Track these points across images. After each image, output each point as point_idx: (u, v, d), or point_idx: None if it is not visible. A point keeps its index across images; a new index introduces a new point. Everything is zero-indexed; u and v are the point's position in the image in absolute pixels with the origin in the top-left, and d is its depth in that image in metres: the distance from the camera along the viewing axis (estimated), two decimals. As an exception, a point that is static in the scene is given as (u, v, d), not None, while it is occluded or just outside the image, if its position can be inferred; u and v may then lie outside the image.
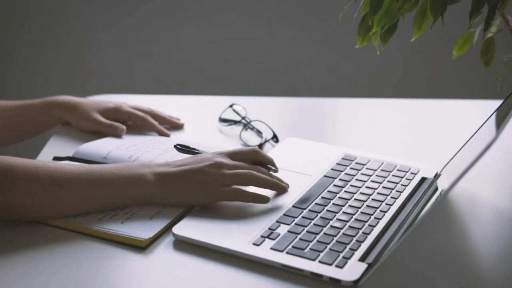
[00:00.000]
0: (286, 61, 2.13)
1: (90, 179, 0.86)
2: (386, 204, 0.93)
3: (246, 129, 1.21)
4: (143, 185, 0.88)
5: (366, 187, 0.98)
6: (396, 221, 0.89)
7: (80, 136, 1.15)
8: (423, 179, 1.01)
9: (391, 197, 0.95)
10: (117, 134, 1.14)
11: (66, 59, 2.13)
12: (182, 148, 0.97)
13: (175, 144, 0.98)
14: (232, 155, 0.93)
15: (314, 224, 0.87)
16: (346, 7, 0.93)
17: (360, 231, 0.86)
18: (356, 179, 1.00)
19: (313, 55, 2.12)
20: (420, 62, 2.13)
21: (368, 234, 0.85)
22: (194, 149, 0.97)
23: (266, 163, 0.96)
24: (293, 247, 0.82)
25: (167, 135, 1.18)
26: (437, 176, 1.02)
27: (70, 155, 1.05)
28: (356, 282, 0.77)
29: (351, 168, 1.03)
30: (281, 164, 1.05)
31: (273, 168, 0.96)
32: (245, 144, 1.16)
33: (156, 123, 1.19)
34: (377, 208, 0.92)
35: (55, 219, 0.86)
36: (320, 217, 0.89)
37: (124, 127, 1.15)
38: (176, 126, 1.23)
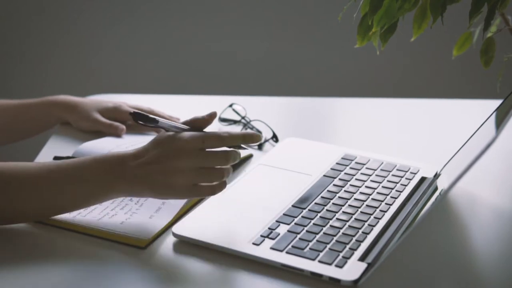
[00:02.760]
0: (286, 61, 2.13)
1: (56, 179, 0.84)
2: (386, 203, 0.93)
3: (246, 129, 1.21)
4: (116, 191, 0.86)
5: (366, 186, 0.98)
6: (396, 221, 0.89)
7: (80, 135, 1.15)
8: (422, 179, 1.01)
9: (391, 197, 0.95)
10: (117, 134, 1.14)
11: (66, 59, 2.13)
12: (141, 122, 0.87)
13: (132, 111, 0.87)
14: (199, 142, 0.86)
15: (314, 223, 0.87)
16: (346, 7, 0.93)
17: (360, 231, 0.86)
18: (356, 179, 1.00)
19: (313, 55, 2.12)
20: (420, 62, 2.13)
21: (368, 233, 0.85)
22: (154, 120, 0.86)
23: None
24: (293, 246, 0.82)
25: None
26: (436, 176, 1.02)
27: (70, 154, 1.05)
28: (355, 281, 0.77)
29: (351, 168, 1.03)
30: (281, 164, 1.05)
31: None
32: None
33: None
34: (377, 207, 0.92)
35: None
36: (320, 216, 0.89)
37: (123, 126, 1.15)
38: None
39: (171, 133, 0.86)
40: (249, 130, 0.88)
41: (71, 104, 1.17)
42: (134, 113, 0.85)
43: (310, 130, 1.26)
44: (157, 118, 0.85)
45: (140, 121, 0.85)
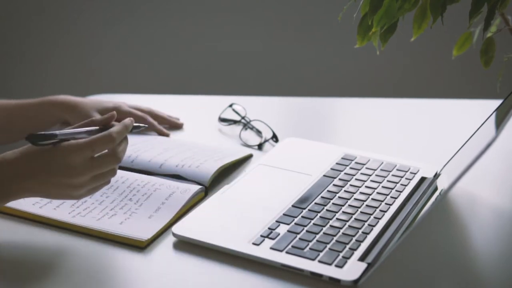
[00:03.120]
0: (286, 61, 2.13)
1: None
2: (386, 203, 0.93)
3: (246, 129, 1.21)
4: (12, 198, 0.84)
5: (366, 186, 0.98)
6: (396, 220, 0.89)
7: (80, 136, 1.15)
8: (422, 179, 1.01)
9: (391, 197, 0.95)
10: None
11: (66, 59, 2.13)
12: (41, 142, 0.82)
13: (26, 135, 0.82)
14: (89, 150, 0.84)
15: (313, 223, 0.87)
16: (346, 7, 0.93)
17: (360, 231, 0.86)
18: (356, 179, 1.00)
19: (313, 55, 2.12)
20: (420, 62, 2.13)
21: (368, 233, 0.85)
22: (53, 135, 0.82)
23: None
24: (292, 246, 0.82)
25: (167, 135, 1.18)
26: (436, 176, 1.02)
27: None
28: (355, 281, 0.77)
29: (350, 168, 1.03)
30: (281, 164, 1.05)
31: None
32: (245, 144, 1.16)
33: (155, 122, 1.19)
34: (377, 207, 0.92)
35: None
36: (320, 216, 0.89)
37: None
38: (175, 125, 1.22)
39: (62, 145, 0.82)
40: (128, 119, 0.86)
41: (71, 104, 1.18)
42: (30, 136, 0.81)
43: (310, 130, 1.26)
44: (54, 132, 0.82)
45: (39, 142, 0.81)
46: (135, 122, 1.18)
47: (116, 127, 0.85)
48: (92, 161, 0.82)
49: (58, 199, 0.87)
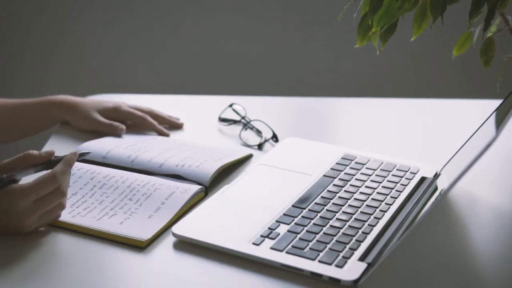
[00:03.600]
0: (286, 61, 2.13)
1: None
2: (386, 203, 0.93)
3: (246, 129, 1.21)
4: None
5: (366, 186, 0.98)
6: (396, 220, 0.89)
7: (79, 136, 1.15)
8: (422, 179, 1.01)
9: (391, 197, 0.95)
10: (116, 134, 1.14)
11: (66, 59, 2.13)
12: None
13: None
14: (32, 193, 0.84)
15: (313, 223, 0.87)
16: (346, 7, 0.93)
17: (360, 231, 0.86)
18: (356, 179, 1.00)
19: (313, 55, 2.12)
20: (420, 62, 2.13)
21: (368, 233, 0.85)
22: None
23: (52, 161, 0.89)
24: (292, 246, 0.82)
25: (167, 135, 1.18)
26: (436, 176, 1.02)
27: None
28: (355, 281, 0.77)
29: (350, 168, 1.03)
30: (281, 164, 1.05)
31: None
32: (245, 144, 1.16)
33: (155, 122, 1.19)
34: (377, 207, 0.92)
35: None
36: (320, 216, 0.89)
37: (123, 126, 1.15)
38: (175, 125, 1.22)
39: (6, 190, 0.83)
40: (70, 153, 0.88)
41: (71, 104, 1.17)
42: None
43: (310, 130, 1.26)
44: (1, 177, 0.83)
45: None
46: (136, 121, 1.18)
47: (59, 167, 0.86)
48: (38, 202, 0.84)
49: (8, 235, 0.86)
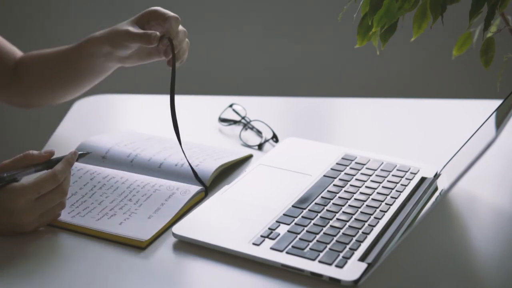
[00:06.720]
0: (286, 61, 2.13)
1: None
2: (386, 204, 0.93)
3: (246, 129, 1.21)
4: None
5: (366, 187, 0.98)
6: (396, 221, 0.89)
7: (79, 136, 1.15)
8: (423, 179, 1.01)
9: (391, 197, 0.95)
10: (150, 43, 1.03)
11: (66, 59, 2.13)
12: None
13: None
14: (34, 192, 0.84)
15: (314, 224, 0.87)
16: (346, 7, 0.93)
17: (360, 231, 0.86)
18: (356, 179, 1.00)
19: (313, 55, 2.12)
20: (420, 62, 2.13)
21: (368, 234, 0.85)
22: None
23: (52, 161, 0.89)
24: (293, 247, 0.82)
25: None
26: (437, 176, 1.02)
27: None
28: (356, 282, 0.77)
29: (351, 168, 1.03)
30: (281, 164, 1.05)
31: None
32: (245, 144, 1.16)
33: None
34: (377, 208, 0.92)
35: None
36: (320, 217, 0.89)
37: (156, 33, 1.03)
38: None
39: (7, 188, 0.83)
40: (70, 152, 0.88)
41: (105, 34, 1.08)
42: None
43: (310, 130, 1.26)
44: (1, 175, 0.83)
45: None
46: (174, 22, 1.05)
47: (60, 166, 0.86)
48: (39, 201, 0.84)
49: (8, 235, 0.86)
